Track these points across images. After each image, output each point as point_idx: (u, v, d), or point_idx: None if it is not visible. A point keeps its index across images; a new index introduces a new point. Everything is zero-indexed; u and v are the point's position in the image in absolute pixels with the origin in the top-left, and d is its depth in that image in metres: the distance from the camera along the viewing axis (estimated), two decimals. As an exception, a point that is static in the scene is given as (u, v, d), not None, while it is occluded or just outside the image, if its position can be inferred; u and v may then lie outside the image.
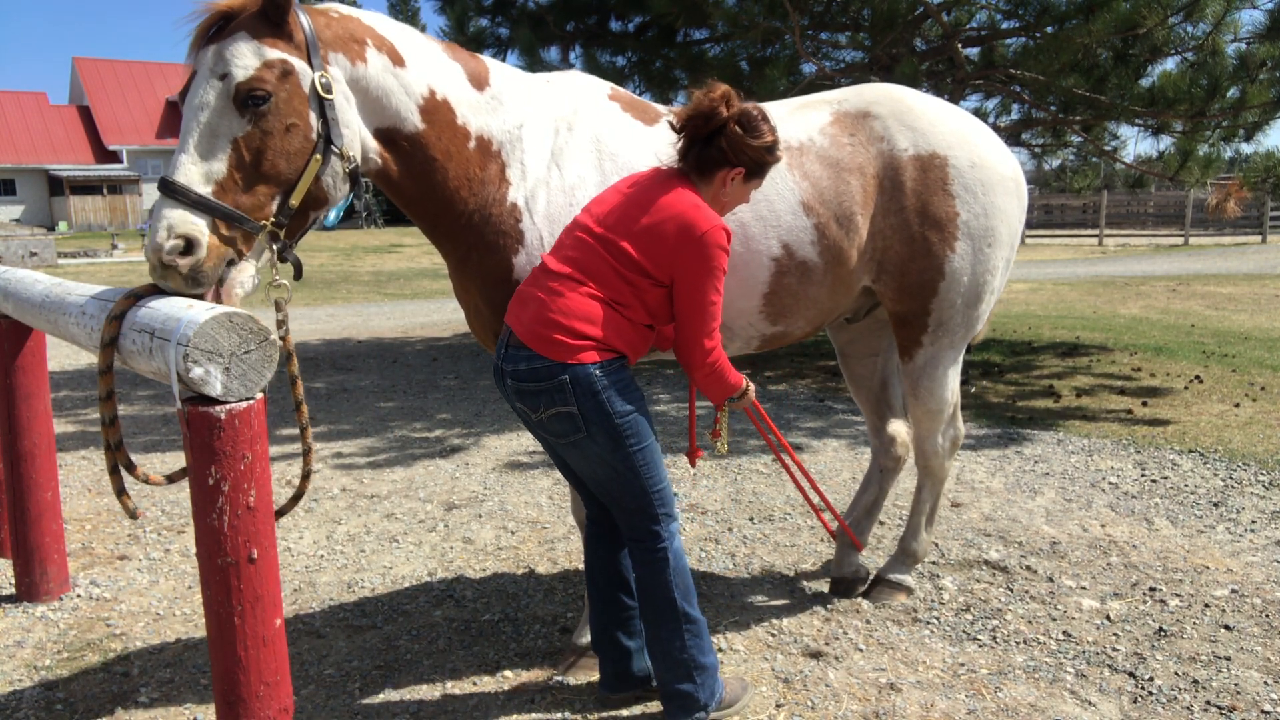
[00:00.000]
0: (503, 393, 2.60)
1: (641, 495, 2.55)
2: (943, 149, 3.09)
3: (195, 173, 2.24)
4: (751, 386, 2.74)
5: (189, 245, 2.21)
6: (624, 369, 2.52)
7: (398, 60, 2.56)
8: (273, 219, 2.33)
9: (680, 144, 2.58)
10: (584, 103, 2.88)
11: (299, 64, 2.33)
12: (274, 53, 2.29)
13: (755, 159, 2.54)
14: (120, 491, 2.16)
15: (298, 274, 2.54)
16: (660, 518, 2.58)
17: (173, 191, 2.22)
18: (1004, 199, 3.17)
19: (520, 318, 2.50)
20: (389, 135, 2.57)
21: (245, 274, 2.33)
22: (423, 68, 2.62)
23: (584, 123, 2.82)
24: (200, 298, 2.23)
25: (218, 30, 2.29)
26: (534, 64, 8.71)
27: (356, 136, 2.47)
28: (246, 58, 2.26)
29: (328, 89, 2.35)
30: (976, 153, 3.14)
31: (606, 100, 2.92)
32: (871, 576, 3.69)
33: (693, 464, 3.02)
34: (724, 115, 2.49)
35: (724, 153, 2.51)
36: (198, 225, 2.21)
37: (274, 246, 2.35)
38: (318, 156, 2.35)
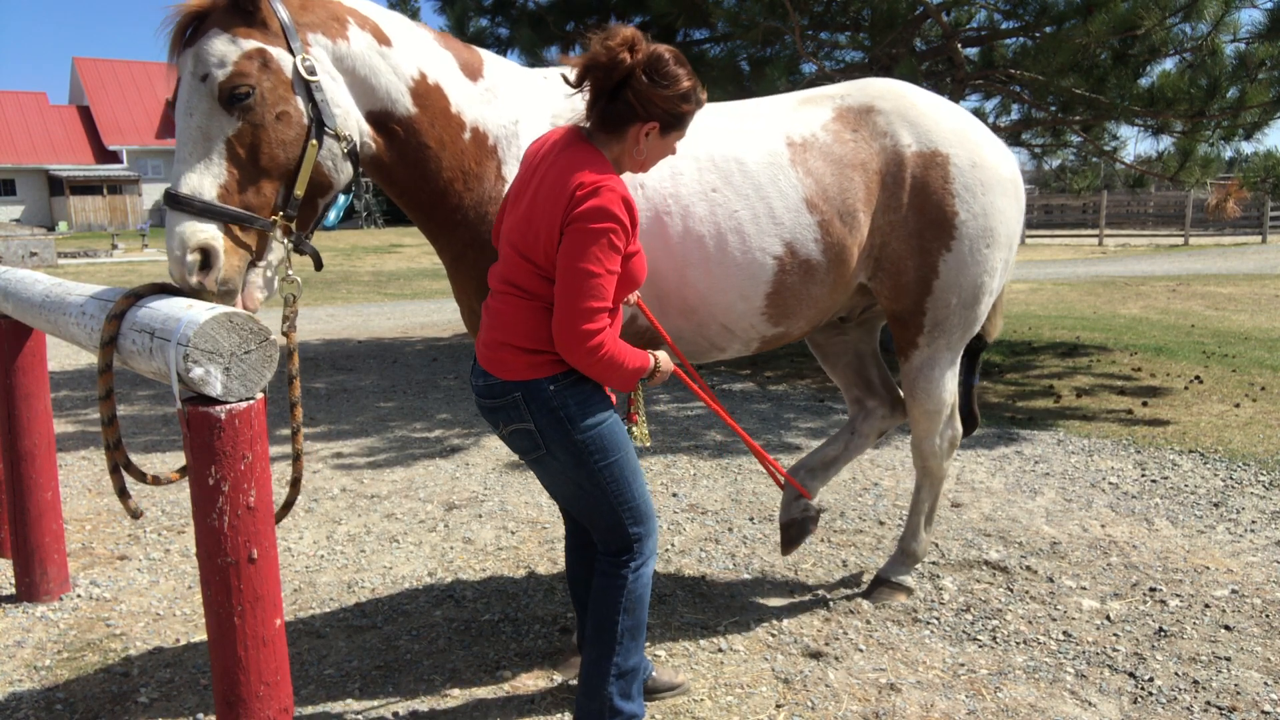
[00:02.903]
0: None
1: (610, 513, 2.41)
2: (944, 147, 3.08)
3: (196, 180, 2.22)
4: (661, 357, 2.42)
5: (207, 256, 2.20)
6: (584, 380, 2.34)
7: (383, 39, 2.52)
8: (281, 213, 2.31)
9: (586, 98, 2.28)
10: (583, 99, 2.86)
11: (277, 51, 2.29)
12: (250, 43, 2.25)
13: (669, 110, 2.23)
14: (122, 491, 2.15)
15: (318, 264, 2.51)
16: (633, 537, 2.44)
17: (178, 204, 2.21)
18: (1003, 200, 3.17)
19: (477, 342, 2.43)
20: (381, 119, 2.53)
21: (262, 275, 2.32)
22: (411, 49, 2.58)
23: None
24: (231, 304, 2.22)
25: (194, 31, 2.27)
26: (534, 64, 8.71)
27: (350, 116, 2.43)
28: (223, 54, 2.23)
29: (311, 71, 2.32)
30: (978, 153, 3.13)
31: None
32: (875, 575, 3.69)
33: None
34: (628, 63, 2.17)
35: (632, 107, 2.21)
36: (209, 232, 2.20)
37: (288, 241, 2.33)
38: (313, 141, 2.32)
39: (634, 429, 2.60)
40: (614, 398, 2.59)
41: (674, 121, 2.28)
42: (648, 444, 2.66)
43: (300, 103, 2.31)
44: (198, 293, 2.19)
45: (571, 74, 2.28)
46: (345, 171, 2.43)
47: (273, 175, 2.30)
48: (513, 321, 2.30)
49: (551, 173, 2.25)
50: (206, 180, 2.22)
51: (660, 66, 2.21)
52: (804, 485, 3.57)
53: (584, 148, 2.27)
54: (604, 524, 2.44)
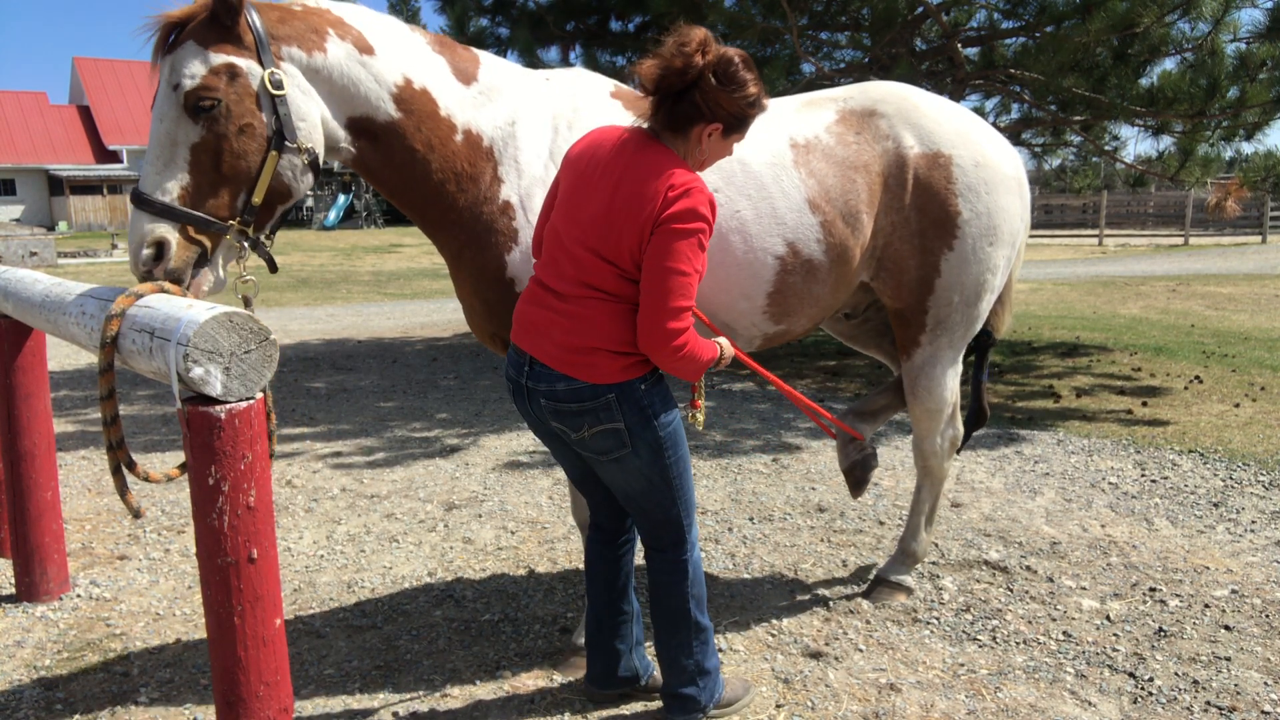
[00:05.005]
0: (528, 411, 2.47)
1: (671, 506, 2.50)
2: (947, 148, 3.09)
3: (159, 182, 2.35)
4: (724, 344, 2.48)
5: (160, 249, 2.33)
6: (663, 378, 2.44)
7: (365, 48, 2.56)
8: (238, 217, 2.41)
9: (650, 101, 2.31)
10: (586, 101, 2.87)
11: (247, 64, 2.37)
12: (220, 58, 2.34)
13: (735, 113, 2.27)
14: (123, 491, 2.17)
15: (272, 268, 2.61)
16: (685, 528, 2.55)
17: (140, 202, 2.34)
18: (1007, 198, 3.17)
19: (540, 345, 2.37)
20: (362, 125, 2.58)
21: (212, 273, 2.43)
22: (396, 57, 2.61)
23: (586, 121, 2.81)
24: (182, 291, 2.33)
25: (174, 39, 2.36)
26: (534, 64, 8.70)
27: (317, 128, 2.49)
28: (194, 66, 2.33)
29: (278, 85, 2.39)
30: (981, 152, 3.14)
31: (609, 98, 2.91)
32: (875, 575, 3.69)
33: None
34: (699, 65, 2.21)
35: (698, 107, 2.24)
36: (164, 230, 2.33)
37: (243, 244, 2.44)
38: (274, 153, 2.40)
39: (698, 414, 2.67)
40: None
41: (737, 124, 2.31)
42: (701, 427, 2.72)
43: (264, 116, 2.40)
44: (147, 279, 2.33)
45: (645, 79, 2.28)
46: (306, 181, 2.51)
47: (232, 182, 2.39)
48: (602, 326, 2.30)
49: (632, 173, 2.26)
50: (169, 183, 2.35)
51: (729, 69, 2.24)
52: (854, 428, 3.58)
53: (661, 148, 2.30)
54: (663, 517, 2.52)
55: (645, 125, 2.36)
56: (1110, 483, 5.03)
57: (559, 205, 2.41)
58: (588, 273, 2.31)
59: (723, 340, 2.50)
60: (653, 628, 2.67)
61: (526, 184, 2.73)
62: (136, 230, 2.34)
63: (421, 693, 2.96)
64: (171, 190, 2.34)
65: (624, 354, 2.32)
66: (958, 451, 3.75)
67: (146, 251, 2.32)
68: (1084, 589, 3.67)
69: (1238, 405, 6.73)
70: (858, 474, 3.62)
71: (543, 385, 2.38)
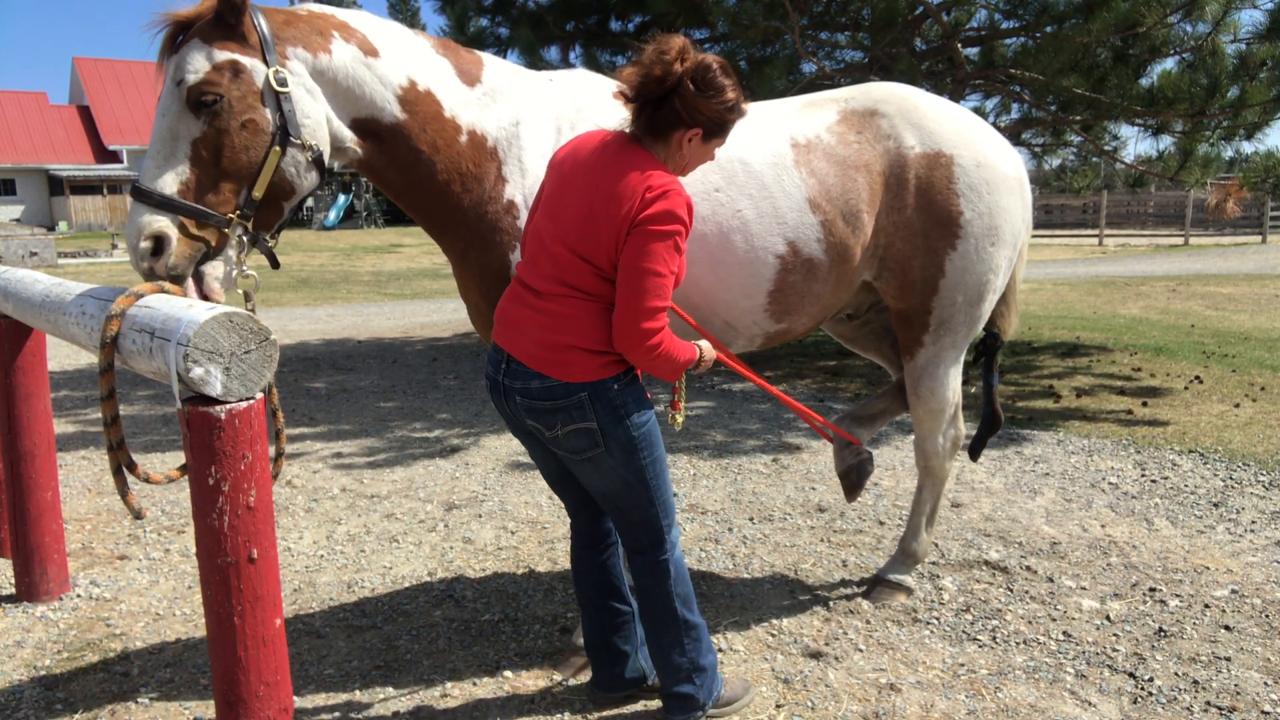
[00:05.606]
0: (505, 408, 2.49)
1: (649, 507, 2.51)
2: (949, 148, 3.10)
3: (160, 175, 2.35)
4: (704, 347, 2.51)
5: (159, 243, 2.33)
6: (637, 378, 2.46)
7: (370, 51, 2.58)
8: (238, 212, 2.42)
9: (631, 104, 2.35)
10: (588, 101, 2.88)
11: (251, 62, 2.39)
12: (224, 55, 2.36)
13: (714, 119, 2.31)
14: (124, 491, 2.17)
15: (274, 264, 2.61)
16: (663, 529, 2.55)
17: (140, 195, 2.35)
18: (1008, 199, 3.18)
19: (518, 343, 2.40)
20: (367, 126, 2.60)
21: (220, 267, 2.43)
22: (401, 59, 2.63)
23: (588, 122, 2.82)
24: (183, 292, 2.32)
25: (181, 39, 2.39)
26: (534, 64, 8.71)
27: (321, 126, 2.50)
28: (198, 63, 2.35)
29: (283, 83, 2.41)
30: (982, 152, 3.14)
31: (611, 99, 2.92)
32: (875, 575, 3.69)
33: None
34: (678, 72, 2.24)
35: (678, 113, 2.28)
36: (163, 222, 2.33)
37: (243, 237, 2.44)
38: (276, 149, 2.41)
39: (678, 415, 2.67)
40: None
41: (716, 129, 2.35)
42: (679, 428, 2.70)
43: (268, 113, 2.41)
44: (149, 276, 2.35)
45: (627, 86, 2.32)
46: (309, 179, 2.52)
47: (233, 177, 2.40)
48: (578, 324, 2.33)
49: (612, 174, 2.29)
50: (169, 176, 2.35)
51: (707, 76, 2.27)
52: (850, 433, 3.59)
53: (641, 151, 2.33)
54: (640, 518, 2.52)
55: (628, 130, 2.39)
56: (1110, 483, 5.03)
57: (542, 206, 2.44)
58: (566, 272, 2.33)
59: (703, 342, 2.53)
60: (644, 629, 2.68)
61: (530, 183, 2.74)
62: (134, 223, 2.34)
63: (421, 693, 2.96)
64: (171, 184, 2.34)
65: (600, 352, 2.34)
66: (974, 459, 3.77)
67: (145, 244, 2.32)
68: (1084, 589, 3.67)
69: (1238, 405, 6.73)
70: (853, 478, 3.62)
71: (518, 383, 2.40)
